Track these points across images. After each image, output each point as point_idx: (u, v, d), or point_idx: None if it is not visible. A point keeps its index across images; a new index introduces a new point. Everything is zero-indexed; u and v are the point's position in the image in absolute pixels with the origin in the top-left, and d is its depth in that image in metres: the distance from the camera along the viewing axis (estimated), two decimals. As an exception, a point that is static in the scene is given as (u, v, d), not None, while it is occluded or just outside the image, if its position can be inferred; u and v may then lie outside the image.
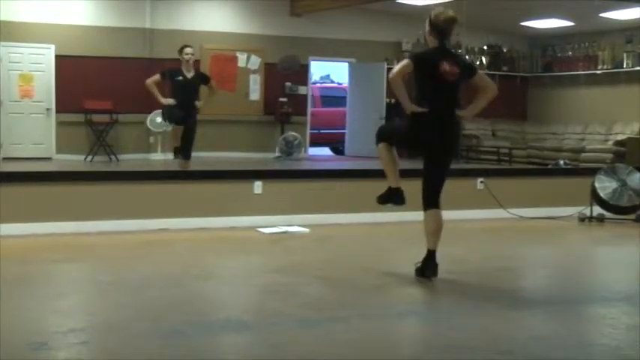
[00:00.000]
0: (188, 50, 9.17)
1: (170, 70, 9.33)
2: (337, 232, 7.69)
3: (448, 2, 12.65)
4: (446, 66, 5.28)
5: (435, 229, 5.40)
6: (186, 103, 9.08)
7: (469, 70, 5.53)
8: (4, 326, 4.10)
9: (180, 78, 9.10)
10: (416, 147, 5.62)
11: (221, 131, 13.86)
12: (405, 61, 5.32)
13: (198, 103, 9.27)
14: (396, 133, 5.77)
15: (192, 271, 5.77)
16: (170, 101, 9.12)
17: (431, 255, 5.39)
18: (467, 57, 15.38)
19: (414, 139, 5.47)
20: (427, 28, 5.41)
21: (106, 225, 7.28)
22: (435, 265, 5.39)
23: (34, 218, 7.10)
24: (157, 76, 9.24)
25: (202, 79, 9.49)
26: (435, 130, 5.34)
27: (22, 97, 13.10)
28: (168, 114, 9.25)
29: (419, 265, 5.44)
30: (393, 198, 5.64)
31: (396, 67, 5.33)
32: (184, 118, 9.12)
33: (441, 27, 5.32)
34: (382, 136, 5.65)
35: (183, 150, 9.23)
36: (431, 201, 5.43)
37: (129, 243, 6.93)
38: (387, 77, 5.52)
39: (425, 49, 5.58)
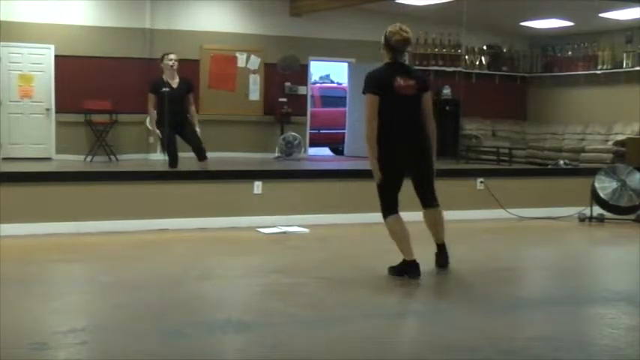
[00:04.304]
0: (172, 57, 8.94)
1: (155, 82, 9.01)
2: (337, 232, 7.69)
3: (448, 2, 12.70)
4: (400, 81, 5.34)
5: (431, 224, 5.66)
6: (177, 115, 8.87)
7: (423, 84, 5.52)
8: (4, 326, 4.10)
9: (167, 89, 8.82)
10: (401, 174, 5.50)
11: (221, 131, 13.82)
12: (369, 97, 5.33)
13: (195, 124, 9.08)
14: (384, 190, 5.50)
15: (192, 271, 5.76)
16: (157, 132, 9.00)
17: (438, 248, 5.72)
18: (467, 57, 15.41)
19: (394, 170, 5.43)
20: (382, 41, 5.46)
21: (106, 225, 7.28)
22: (445, 256, 5.72)
23: (33, 218, 7.10)
24: (151, 97, 8.96)
25: (187, 87, 9.15)
26: (402, 143, 5.38)
27: (22, 97, 13.07)
28: (169, 149, 9.05)
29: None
30: (408, 271, 5.44)
31: (368, 110, 5.31)
32: (175, 129, 8.97)
33: (393, 46, 5.39)
34: (384, 206, 5.50)
35: (197, 152, 9.11)
36: (424, 201, 5.65)
37: (129, 243, 6.93)
38: (366, 132, 5.36)
39: (376, 69, 5.51)
